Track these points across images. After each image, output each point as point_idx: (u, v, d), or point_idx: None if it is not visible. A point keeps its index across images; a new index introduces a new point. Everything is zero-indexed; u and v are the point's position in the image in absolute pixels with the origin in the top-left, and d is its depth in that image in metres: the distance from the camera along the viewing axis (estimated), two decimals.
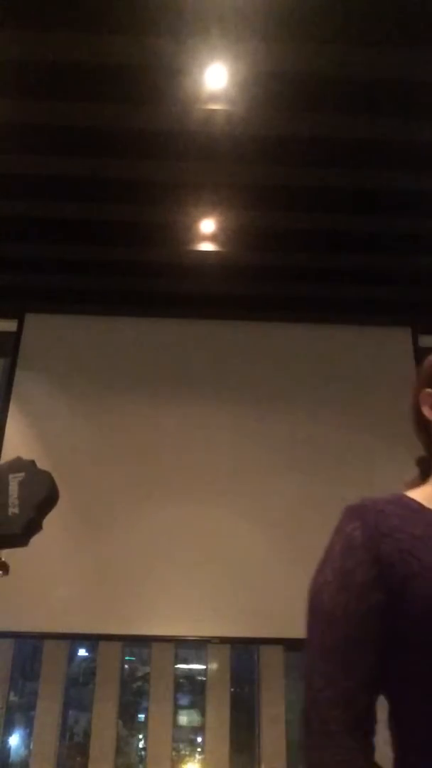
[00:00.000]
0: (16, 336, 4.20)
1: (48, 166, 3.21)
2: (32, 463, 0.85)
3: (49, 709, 3.60)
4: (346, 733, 0.79)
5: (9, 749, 3.80)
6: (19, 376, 4.10)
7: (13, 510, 0.80)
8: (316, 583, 0.88)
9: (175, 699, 3.74)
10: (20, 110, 2.92)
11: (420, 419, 1.07)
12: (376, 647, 0.83)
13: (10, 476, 0.83)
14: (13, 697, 3.88)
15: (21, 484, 0.82)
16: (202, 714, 3.72)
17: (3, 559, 0.81)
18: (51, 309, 4.24)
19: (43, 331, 4.22)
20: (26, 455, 3.55)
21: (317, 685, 0.82)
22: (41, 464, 3.58)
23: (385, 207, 3.45)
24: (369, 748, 0.81)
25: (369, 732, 0.82)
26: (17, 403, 4.02)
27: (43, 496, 0.83)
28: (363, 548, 0.87)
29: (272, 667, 3.69)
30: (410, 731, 0.82)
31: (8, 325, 4.24)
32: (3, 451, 3.85)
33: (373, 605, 0.83)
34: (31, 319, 4.25)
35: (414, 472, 1.01)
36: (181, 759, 3.78)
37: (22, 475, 0.84)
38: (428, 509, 0.91)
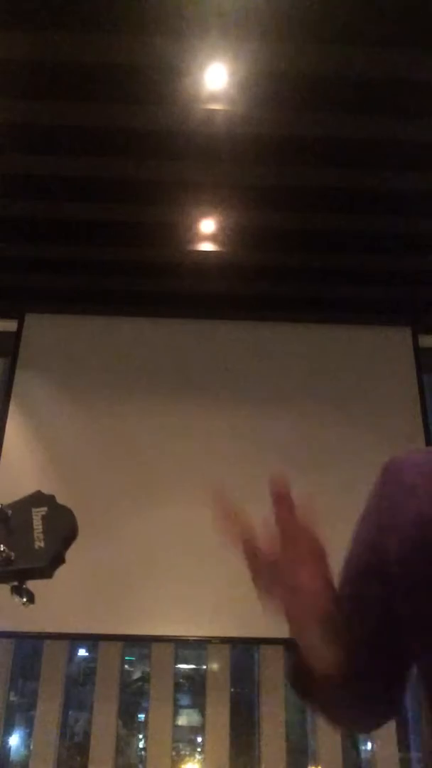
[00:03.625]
0: (16, 336, 4.20)
1: (48, 166, 3.21)
2: (52, 497, 0.90)
3: (49, 709, 3.60)
4: None
5: (9, 749, 3.80)
6: (19, 376, 4.10)
7: (38, 544, 0.84)
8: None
9: (175, 699, 3.74)
10: (20, 110, 2.93)
11: None
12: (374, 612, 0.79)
13: (33, 510, 0.87)
14: (13, 697, 3.88)
15: (44, 518, 0.87)
16: (202, 714, 3.72)
17: (28, 588, 0.84)
18: (51, 309, 4.24)
19: (43, 331, 4.22)
20: (26, 455, 3.57)
21: None
22: (41, 464, 3.59)
23: (384, 207, 3.45)
24: None
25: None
26: (17, 403, 4.02)
27: (67, 531, 0.87)
28: (368, 515, 0.86)
29: (272, 667, 3.70)
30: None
31: (8, 325, 4.24)
32: (3, 451, 3.85)
33: (367, 590, 0.80)
34: (31, 319, 4.25)
35: None
36: (181, 759, 3.79)
37: (44, 509, 0.88)
38: None
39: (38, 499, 0.88)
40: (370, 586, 0.79)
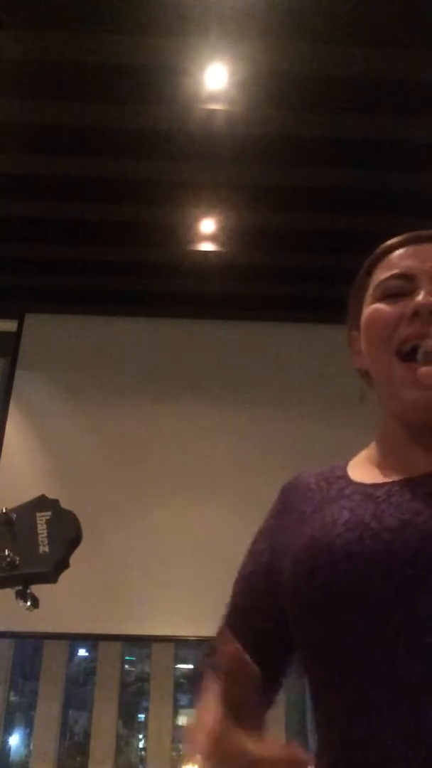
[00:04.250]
0: (16, 336, 4.20)
1: (48, 166, 3.21)
2: (56, 502, 0.90)
3: (49, 709, 3.60)
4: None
5: (9, 749, 3.80)
6: (19, 376, 4.09)
7: (43, 548, 0.85)
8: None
9: (175, 699, 3.74)
10: (20, 110, 2.92)
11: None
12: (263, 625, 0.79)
13: (38, 515, 0.88)
14: (13, 697, 3.89)
15: (48, 523, 0.88)
16: None
17: (32, 593, 0.84)
18: (51, 309, 4.23)
19: (43, 331, 4.22)
20: (26, 454, 3.57)
21: None
22: (41, 463, 3.59)
23: (384, 207, 3.44)
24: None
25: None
26: (17, 403, 4.01)
27: (71, 535, 0.88)
28: (264, 534, 0.87)
29: None
30: (317, 724, 0.73)
31: (8, 325, 4.23)
32: (3, 451, 3.85)
33: (260, 604, 0.81)
34: (31, 319, 4.25)
35: None
36: (181, 759, 3.78)
37: (48, 514, 0.89)
38: (345, 477, 0.85)
39: (42, 503, 0.89)
40: (262, 601, 0.80)
